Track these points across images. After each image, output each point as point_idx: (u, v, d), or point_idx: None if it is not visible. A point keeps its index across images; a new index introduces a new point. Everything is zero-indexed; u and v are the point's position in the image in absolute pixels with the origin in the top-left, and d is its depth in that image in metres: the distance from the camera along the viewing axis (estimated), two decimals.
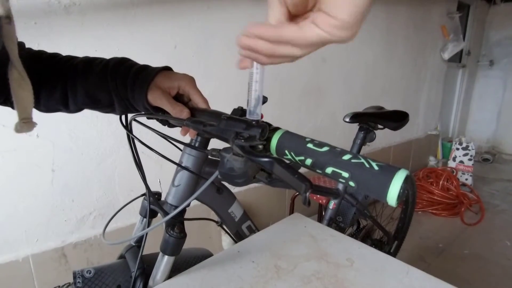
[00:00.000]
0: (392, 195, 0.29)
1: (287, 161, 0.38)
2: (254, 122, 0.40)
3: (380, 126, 1.17)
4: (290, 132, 0.39)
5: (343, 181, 0.32)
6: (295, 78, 1.92)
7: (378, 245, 1.46)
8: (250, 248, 0.64)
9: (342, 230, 1.20)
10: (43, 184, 1.16)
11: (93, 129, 1.22)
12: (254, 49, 0.30)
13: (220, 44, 1.51)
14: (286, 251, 0.63)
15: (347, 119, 1.08)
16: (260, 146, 0.40)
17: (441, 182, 2.59)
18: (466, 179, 2.96)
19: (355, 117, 1.09)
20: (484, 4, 3.74)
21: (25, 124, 0.39)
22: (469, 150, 2.98)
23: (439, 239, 2.14)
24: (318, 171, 0.34)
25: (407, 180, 0.29)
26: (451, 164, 3.06)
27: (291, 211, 1.76)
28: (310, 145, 0.35)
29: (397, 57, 2.71)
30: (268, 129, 0.39)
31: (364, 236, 1.36)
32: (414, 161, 3.25)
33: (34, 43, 1.03)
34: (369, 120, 1.13)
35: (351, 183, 0.32)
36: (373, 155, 2.60)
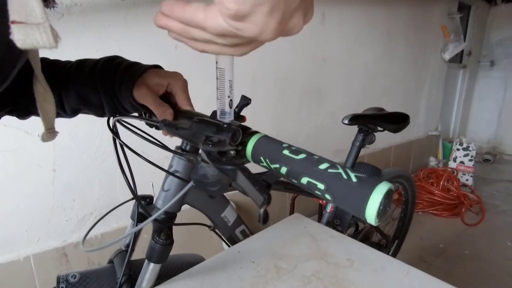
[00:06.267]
0: (371, 212, 0.25)
1: (266, 169, 0.35)
2: (225, 126, 0.36)
3: (379, 128, 1.16)
4: (268, 137, 0.36)
5: (319, 193, 0.29)
6: (295, 78, 1.92)
7: (376, 248, 1.47)
8: (250, 248, 0.65)
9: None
10: (44, 183, 1.16)
11: (94, 129, 1.22)
12: (168, 28, 0.28)
13: None
14: (286, 251, 0.63)
15: (346, 121, 1.06)
16: (232, 152, 0.36)
17: (441, 183, 2.59)
18: (467, 180, 2.96)
19: (354, 119, 1.07)
20: (485, 5, 3.74)
21: (50, 133, 0.41)
22: (470, 150, 2.98)
23: (439, 240, 2.14)
24: (293, 181, 0.31)
25: (388, 195, 0.26)
26: (452, 164, 3.06)
27: (291, 212, 1.76)
28: (286, 152, 0.32)
29: (398, 58, 2.71)
30: (240, 134, 0.36)
31: (362, 239, 1.35)
32: (415, 161, 3.25)
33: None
34: (368, 122, 1.12)
35: (327, 196, 0.28)
36: (373, 156, 2.60)
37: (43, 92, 0.38)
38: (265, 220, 0.29)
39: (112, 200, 1.32)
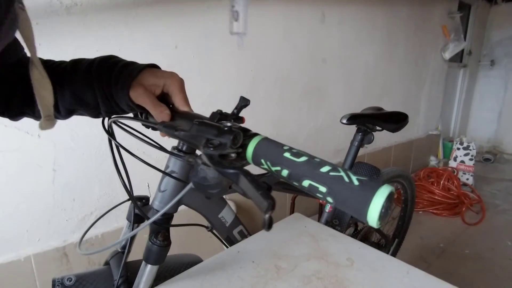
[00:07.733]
0: (373, 215, 0.25)
1: (266, 171, 0.35)
2: (226, 128, 0.36)
3: (378, 128, 1.15)
4: (268, 139, 0.36)
5: (321, 196, 0.29)
6: (296, 78, 1.92)
7: (376, 248, 1.47)
8: (250, 248, 0.65)
9: None
10: (45, 183, 1.16)
11: (94, 129, 1.22)
12: None
13: (221, 44, 1.51)
14: (286, 251, 0.63)
15: (344, 121, 1.06)
16: (233, 155, 0.36)
17: (442, 182, 2.59)
18: (467, 179, 2.96)
19: (353, 119, 1.07)
20: (485, 4, 3.73)
21: (48, 121, 0.40)
22: (470, 150, 2.98)
23: (440, 239, 2.14)
24: (295, 183, 0.31)
25: (390, 198, 0.26)
26: (452, 164, 3.06)
27: (292, 211, 1.76)
28: (287, 155, 0.32)
29: (398, 57, 2.71)
30: (241, 136, 0.36)
31: (362, 239, 1.35)
32: (415, 161, 3.25)
33: (35, 44, 1.03)
34: (367, 122, 1.11)
35: (329, 199, 0.28)
36: (373, 155, 2.60)
37: (40, 78, 0.37)
38: (270, 226, 0.28)
39: (112, 200, 1.32)
